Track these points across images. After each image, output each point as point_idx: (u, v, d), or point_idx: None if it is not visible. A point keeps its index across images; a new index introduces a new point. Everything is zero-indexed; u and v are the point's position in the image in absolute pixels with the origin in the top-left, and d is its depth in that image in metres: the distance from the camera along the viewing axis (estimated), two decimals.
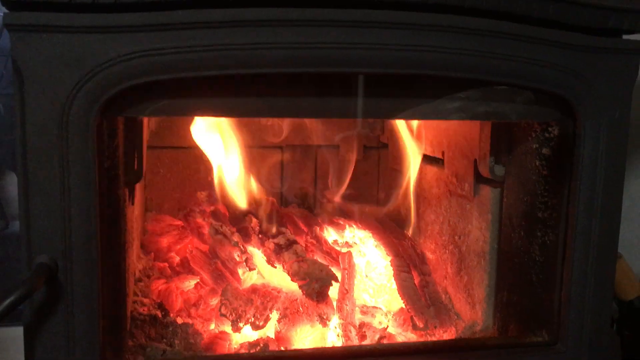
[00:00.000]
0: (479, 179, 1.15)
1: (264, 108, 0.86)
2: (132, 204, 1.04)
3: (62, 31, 0.72)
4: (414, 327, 1.14)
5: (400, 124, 1.42)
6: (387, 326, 1.15)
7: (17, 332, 1.08)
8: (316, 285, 1.10)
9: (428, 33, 0.80)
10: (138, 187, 1.24)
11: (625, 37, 0.92)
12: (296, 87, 0.85)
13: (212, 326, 1.14)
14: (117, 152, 0.85)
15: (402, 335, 1.15)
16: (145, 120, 1.13)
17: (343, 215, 1.48)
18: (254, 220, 1.29)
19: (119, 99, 0.77)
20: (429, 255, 1.38)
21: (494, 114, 0.94)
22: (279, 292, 1.17)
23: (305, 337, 1.11)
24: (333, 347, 1.05)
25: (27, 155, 0.74)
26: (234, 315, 1.10)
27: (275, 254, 1.21)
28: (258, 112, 0.89)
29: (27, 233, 0.77)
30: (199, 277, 1.23)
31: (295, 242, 1.24)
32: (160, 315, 1.11)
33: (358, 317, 1.17)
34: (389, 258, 1.29)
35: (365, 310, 1.20)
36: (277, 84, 0.84)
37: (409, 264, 1.27)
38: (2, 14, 0.75)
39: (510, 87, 0.89)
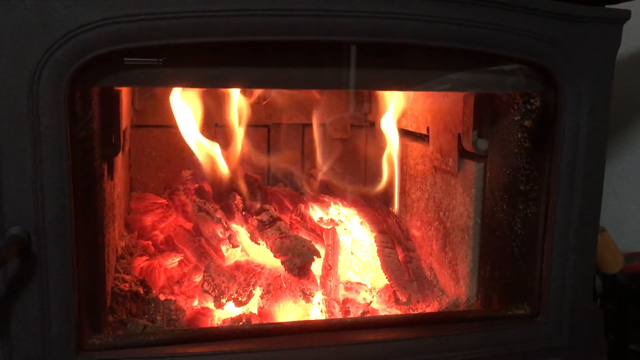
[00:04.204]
0: (462, 153, 1.14)
1: (249, 78, 0.85)
2: (111, 179, 1.02)
3: None
4: (397, 302, 1.14)
5: (386, 102, 1.42)
6: (371, 302, 1.15)
7: None
8: (298, 260, 1.10)
9: (404, 0, 0.79)
10: (121, 165, 1.23)
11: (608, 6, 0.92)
12: (285, 58, 0.84)
13: (196, 303, 1.13)
14: (92, 124, 0.83)
15: (386, 311, 1.15)
16: (125, 94, 1.11)
17: (330, 193, 1.48)
18: (238, 197, 1.29)
19: (91, 68, 0.75)
20: (415, 232, 1.38)
21: (477, 85, 0.93)
22: (262, 268, 1.17)
23: (289, 313, 1.11)
24: (314, 321, 1.05)
25: None
26: (216, 291, 1.09)
27: (259, 231, 1.21)
28: (240, 82, 0.87)
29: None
30: (182, 254, 1.23)
31: (279, 218, 1.23)
32: (142, 292, 1.11)
33: (342, 294, 1.17)
34: (374, 235, 1.28)
35: (350, 286, 1.20)
36: (262, 53, 0.82)
37: (393, 240, 1.27)
38: None
39: (490, 56, 0.88)
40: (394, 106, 1.40)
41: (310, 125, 1.58)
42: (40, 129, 0.74)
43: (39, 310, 0.79)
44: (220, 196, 1.31)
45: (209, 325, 1.05)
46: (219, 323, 1.07)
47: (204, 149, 1.29)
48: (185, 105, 1.25)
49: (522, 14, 0.85)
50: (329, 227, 1.27)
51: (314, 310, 1.11)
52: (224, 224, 1.21)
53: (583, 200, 0.94)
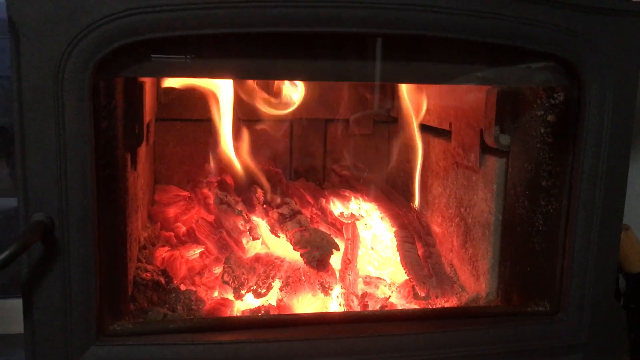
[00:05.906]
0: (484, 149, 1.13)
1: (273, 69, 0.85)
2: (134, 169, 1.04)
3: None
4: (416, 296, 1.14)
5: (409, 98, 1.41)
6: (390, 296, 1.14)
7: (13, 304, 1.10)
8: (317, 253, 1.10)
9: None
10: (145, 156, 1.25)
11: None
12: (309, 50, 0.84)
13: (216, 294, 1.15)
14: (115, 113, 0.85)
15: (405, 306, 1.15)
16: (151, 87, 1.13)
17: (351, 188, 1.48)
18: (259, 190, 1.29)
19: (115, 58, 0.77)
20: (436, 228, 1.37)
21: (500, 79, 0.93)
22: (282, 261, 1.18)
23: (307, 305, 1.11)
24: (332, 313, 1.05)
25: (23, 112, 0.75)
26: (236, 282, 1.10)
27: (279, 224, 1.21)
28: (265, 74, 0.88)
29: (24, 190, 0.77)
30: (204, 246, 1.24)
31: (299, 212, 1.24)
32: (163, 282, 1.12)
33: (361, 288, 1.17)
34: (394, 229, 1.28)
35: (369, 281, 1.20)
36: (285, 45, 0.83)
37: (413, 235, 1.26)
38: None
39: (514, 50, 0.87)
40: (417, 102, 1.40)
41: (333, 120, 1.58)
42: (65, 116, 0.76)
43: (61, 295, 0.80)
44: (242, 189, 1.32)
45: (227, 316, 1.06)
46: (238, 314, 1.08)
47: (228, 143, 1.30)
48: (213, 99, 1.26)
49: (547, 6, 0.84)
50: (349, 222, 1.28)
51: (333, 303, 1.12)
52: (245, 216, 1.22)
53: (606, 197, 0.92)
